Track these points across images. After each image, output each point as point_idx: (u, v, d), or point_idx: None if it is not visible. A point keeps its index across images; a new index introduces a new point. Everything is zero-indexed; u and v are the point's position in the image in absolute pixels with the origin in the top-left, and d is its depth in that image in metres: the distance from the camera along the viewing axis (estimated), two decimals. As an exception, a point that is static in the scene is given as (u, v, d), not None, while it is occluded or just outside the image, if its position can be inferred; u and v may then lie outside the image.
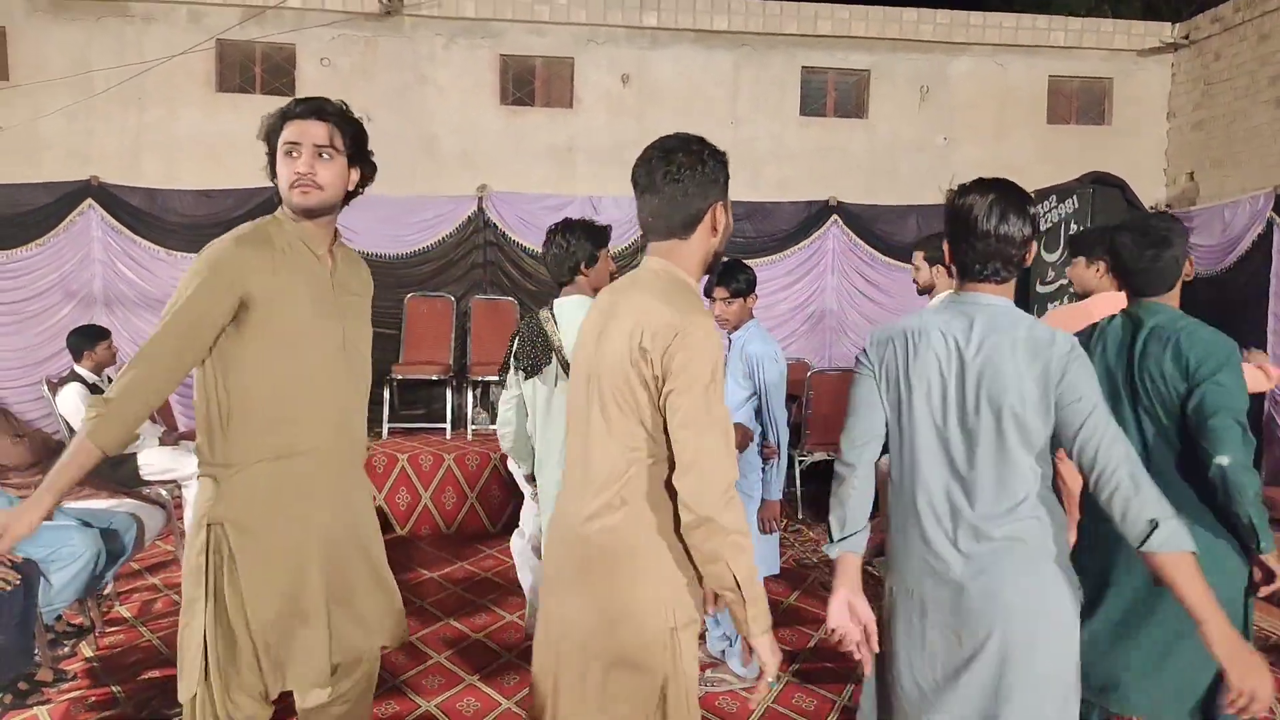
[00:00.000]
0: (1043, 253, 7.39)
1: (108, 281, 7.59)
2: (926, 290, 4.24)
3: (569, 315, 3.06)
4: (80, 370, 5.06)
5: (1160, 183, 8.94)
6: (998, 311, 1.91)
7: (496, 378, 6.84)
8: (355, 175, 2.24)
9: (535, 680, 1.98)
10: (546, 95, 8.36)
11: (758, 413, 3.56)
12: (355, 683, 2.29)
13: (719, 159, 1.85)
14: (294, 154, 2.10)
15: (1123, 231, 2.41)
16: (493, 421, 7.24)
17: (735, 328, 3.61)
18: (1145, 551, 1.71)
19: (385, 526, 5.97)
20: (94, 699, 3.49)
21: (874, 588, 2.00)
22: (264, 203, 6.74)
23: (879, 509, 2.19)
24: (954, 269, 2.00)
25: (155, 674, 3.69)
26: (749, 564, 1.73)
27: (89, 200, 7.52)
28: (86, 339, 5.13)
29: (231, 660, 2.09)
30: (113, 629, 4.16)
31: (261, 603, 2.08)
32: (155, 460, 4.88)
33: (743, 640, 1.84)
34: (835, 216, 8.39)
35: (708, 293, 3.55)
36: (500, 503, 6.09)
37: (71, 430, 4.92)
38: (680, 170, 1.79)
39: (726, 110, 8.35)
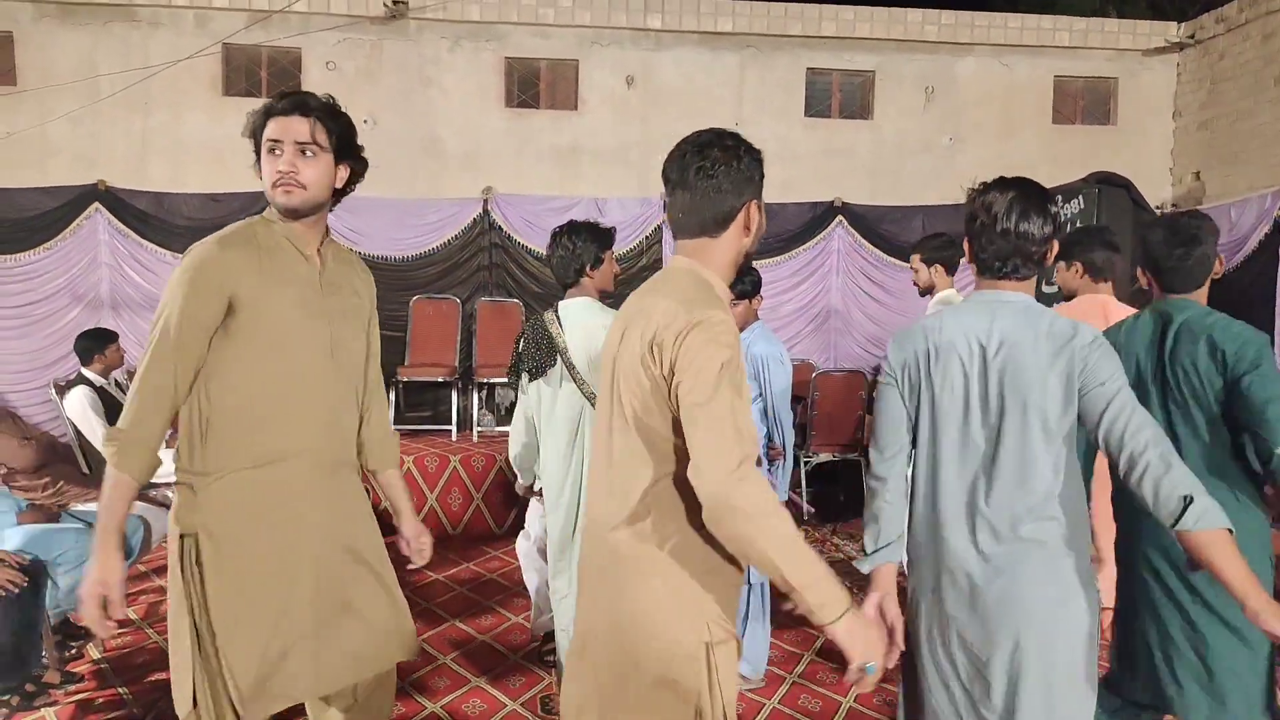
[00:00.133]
0: (1048, 253, 7.36)
1: (115, 285, 7.62)
2: (927, 291, 4.30)
3: (574, 317, 3.06)
4: (88, 373, 5.08)
5: (1166, 182, 8.92)
6: (1018, 308, 1.91)
7: (504, 380, 6.83)
8: (343, 173, 2.12)
9: (565, 689, 1.91)
10: (551, 97, 8.37)
11: (763, 414, 3.57)
12: (363, 684, 2.22)
13: (754, 156, 1.77)
14: (276, 151, 2.01)
15: (1154, 229, 2.41)
16: (498, 423, 7.26)
17: (740, 329, 3.60)
18: (1180, 530, 1.68)
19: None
20: (101, 700, 3.50)
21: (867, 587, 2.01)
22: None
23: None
24: (974, 267, 1.99)
25: (162, 675, 3.70)
26: (787, 546, 1.56)
27: (96, 204, 7.56)
28: (96, 342, 5.15)
29: (218, 676, 2.02)
30: (120, 631, 4.17)
31: (230, 619, 1.99)
32: (162, 462, 4.89)
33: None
34: (840, 217, 8.39)
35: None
36: (506, 504, 6.09)
37: (79, 433, 4.94)
38: (715, 166, 1.72)
39: (731, 112, 8.35)
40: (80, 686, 3.58)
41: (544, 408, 3.11)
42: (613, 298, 3.31)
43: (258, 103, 2.09)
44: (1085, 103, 8.95)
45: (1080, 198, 7.24)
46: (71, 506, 4.21)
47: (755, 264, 3.82)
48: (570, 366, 3.00)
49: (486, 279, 8.08)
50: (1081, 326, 1.86)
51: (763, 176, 1.79)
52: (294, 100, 2.04)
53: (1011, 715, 1.83)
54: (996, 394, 1.87)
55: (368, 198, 7.63)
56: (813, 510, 6.52)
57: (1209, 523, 1.67)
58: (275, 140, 2.01)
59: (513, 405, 3.57)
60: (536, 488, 3.58)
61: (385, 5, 7.80)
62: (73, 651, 3.88)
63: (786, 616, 4.45)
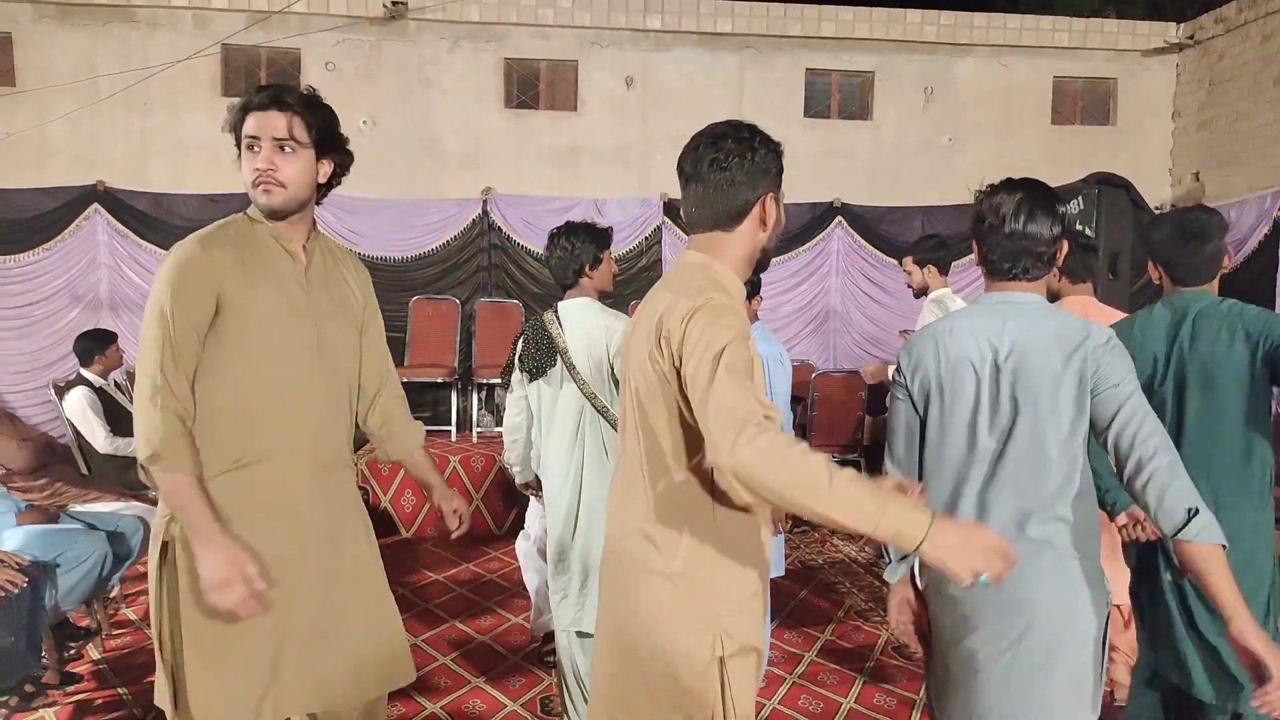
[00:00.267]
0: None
1: (114, 285, 7.62)
2: (921, 292, 4.40)
3: (575, 317, 3.06)
4: (87, 374, 5.07)
5: (1166, 183, 8.92)
6: (1030, 310, 1.91)
7: (500, 380, 6.84)
8: (326, 168, 2.04)
9: (592, 699, 1.88)
10: (550, 98, 8.37)
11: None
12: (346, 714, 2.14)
13: (771, 148, 1.71)
14: (255, 149, 1.95)
15: (1162, 224, 2.42)
16: (498, 424, 7.25)
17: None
18: (1180, 540, 1.70)
19: (391, 529, 5.98)
20: (100, 701, 3.50)
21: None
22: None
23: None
24: (983, 269, 1.99)
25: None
26: (826, 496, 1.39)
27: (95, 205, 7.55)
28: (96, 343, 5.15)
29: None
30: (119, 631, 4.17)
31: (198, 627, 1.90)
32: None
33: None
34: (840, 218, 8.39)
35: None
36: (505, 505, 6.10)
37: (78, 433, 4.94)
38: (728, 158, 1.66)
39: (731, 113, 8.18)
40: (80, 687, 3.58)
41: (544, 408, 3.11)
42: (612, 298, 3.31)
43: (258, 104, 2.03)
44: (1084, 103, 8.95)
45: (1080, 199, 7.23)
46: (71, 507, 4.21)
47: (755, 264, 3.81)
48: (571, 367, 3.00)
49: (486, 280, 8.08)
50: (1094, 327, 1.86)
51: (781, 169, 1.74)
52: (271, 94, 1.96)
53: (1019, 715, 1.84)
54: (1008, 396, 1.87)
55: (367, 198, 7.64)
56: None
57: (1209, 537, 1.69)
58: (253, 137, 1.95)
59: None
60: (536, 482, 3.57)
61: (385, 6, 7.80)
62: (72, 652, 3.88)
63: (787, 616, 4.46)
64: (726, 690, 1.64)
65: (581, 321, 3.04)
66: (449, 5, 7.92)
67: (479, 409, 7.30)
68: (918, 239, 4.74)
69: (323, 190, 2.09)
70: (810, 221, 8.34)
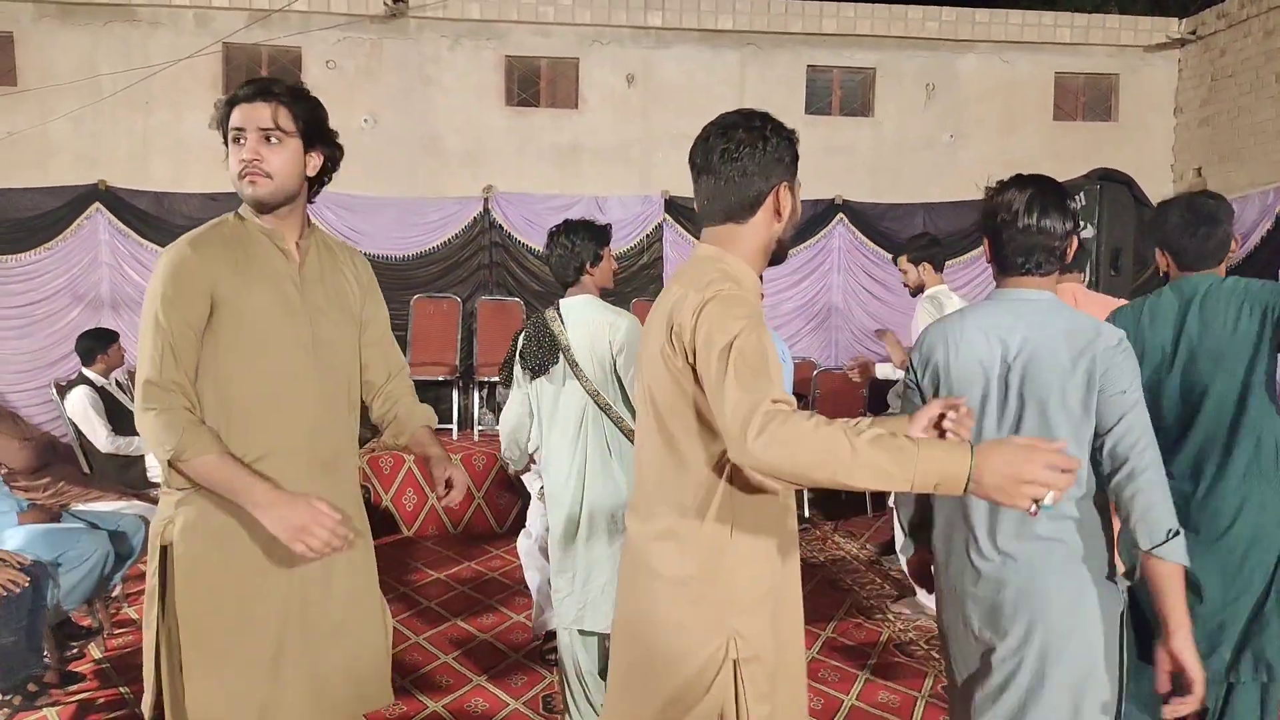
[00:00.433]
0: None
1: (115, 285, 7.62)
2: (917, 290, 4.48)
3: (577, 315, 3.06)
4: (89, 373, 5.08)
5: (1168, 178, 8.91)
6: (1041, 307, 1.92)
7: (499, 378, 6.84)
8: (315, 160, 2.00)
9: (607, 695, 1.86)
10: (551, 96, 8.36)
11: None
12: None
13: (784, 136, 1.68)
14: (240, 140, 1.92)
15: (1172, 208, 2.42)
16: (499, 422, 7.26)
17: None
18: (1154, 553, 1.75)
19: (392, 527, 5.98)
20: (102, 700, 3.50)
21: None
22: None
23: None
24: (994, 266, 2.00)
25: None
26: (856, 468, 1.34)
27: (97, 204, 7.55)
28: (98, 342, 5.15)
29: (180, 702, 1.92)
30: (121, 630, 4.17)
31: (199, 629, 1.89)
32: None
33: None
34: (841, 215, 8.38)
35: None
36: (507, 503, 6.10)
37: (80, 433, 4.94)
38: (739, 148, 1.63)
39: (731, 109, 8.31)
40: (82, 686, 3.58)
41: (546, 406, 3.11)
42: (614, 295, 3.31)
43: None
44: (1086, 99, 8.93)
45: (1082, 194, 7.21)
46: (72, 506, 4.21)
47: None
48: (573, 364, 3.00)
49: (487, 278, 8.08)
50: (1104, 327, 1.86)
51: (795, 158, 1.69)
52: (256, 86, 1.93)
53: (1029, 710, 1.85)
54: (1016, 393, 1.88)
55: (368, 197, 7.64)
56: (814, 509, 6.52)
57: (1178, 558, 1.75)
58: (239, 129, 1.92)
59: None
60: (536, 474, 3.57)
61: (385, 4, 7.79)
62: (74, 651, 3.88)
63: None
64: (741, 695, 1.59)
65: (583, 318, 3.04)
66: (449, 3, 7.92)
67: (480, 407, 7.30)
68: (910, 238, 4.81)
69: (314, 186, 2.06)
70: (812, 218, 8.33)
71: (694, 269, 1.66)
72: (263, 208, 1.98)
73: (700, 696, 1.60)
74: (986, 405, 1.91)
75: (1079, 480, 1.84)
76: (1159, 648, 1.79)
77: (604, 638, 3.15)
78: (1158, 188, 8.64)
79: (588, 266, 3.09)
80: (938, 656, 3.90)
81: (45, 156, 7.61)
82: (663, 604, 1.65)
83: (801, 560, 5.76)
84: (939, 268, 4.47)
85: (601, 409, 3.00)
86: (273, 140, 1.92)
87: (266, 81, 1.96)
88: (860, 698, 3.56)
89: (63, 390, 5.09)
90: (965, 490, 1.34)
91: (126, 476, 4.90)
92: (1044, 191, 1.92)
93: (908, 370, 2.11)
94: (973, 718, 1.95)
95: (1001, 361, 1.90)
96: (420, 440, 2.30)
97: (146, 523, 4.12)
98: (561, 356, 3.04)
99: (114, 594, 4.33)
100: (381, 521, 5.85)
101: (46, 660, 3.47)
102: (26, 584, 3.24)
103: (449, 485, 2.19)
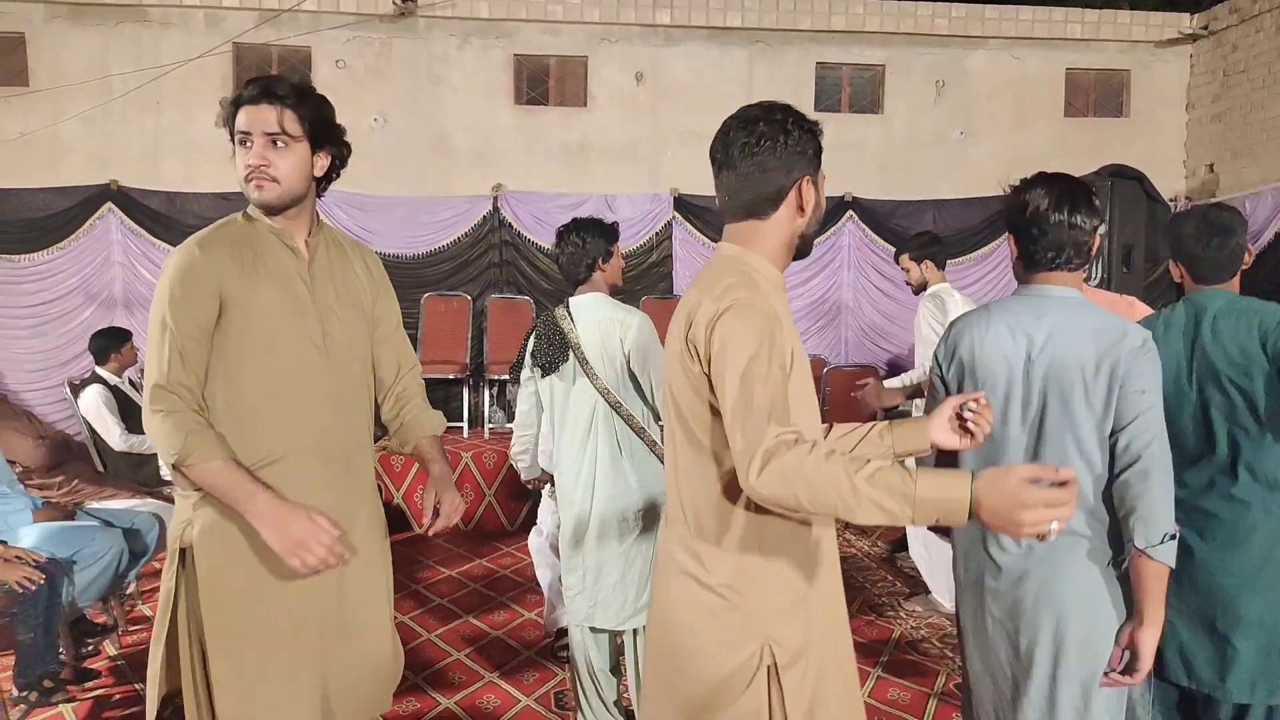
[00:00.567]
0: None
1: (128, 284, 7.66)
2: (920, 288, 4.50)
3: (587, 312, 3.06)
4: (102, 372, 5.11)
5: (1179, 175, 8.86)
6: (1067, 304, 1.92)
7: (509, 376, 6.87)
8: (323, 160, 1.99)
9: (641, 700, 1.84)
10: (560, 94, 8.36)
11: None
12: None
13: (806, 128, 1.62)
14: (247, 144, 1.90)
15: (1185, 220, 2.42)
16: (509, 420, 7.26)
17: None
18: (1148, 552, 1.78)
19: (404, 524, 6.00)
20: (118, 697, 3.52)
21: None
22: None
23: None
24: (1020, 262, 2.00)
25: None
26: (859, 504, 1.35)
27: (109, 204, 7.58)
28: (111, 341, 5.19)
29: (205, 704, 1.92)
30: (135, 628, 4.20)
31: (222, 630, 1.88)
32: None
33: None
34: (851, 212, 8.36)
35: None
36: (518, 501, 6.11)
37: (93, 431, 4.98)
38: (760, 142, 1.58)
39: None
40: (97, 683, 3.61)
41: (557, 403, 3.11)
42: (623, 293, 3.32)
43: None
44: (1097, 95, 8.89)
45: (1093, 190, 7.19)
46: (87, 504, 4.24)
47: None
48: (583, 361, 3.00)
49: (497, 276, 8.09)
50: (1131, 327, 1.87)
51: (819, 150, 1.65)
52: (262, 87, 1.91)
53: (1050, 704, 1.86)
54: (1039, 390, 1.89)
55: (378, 196, 7.66)
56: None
57: (1169, 560, 1.79)
58: (245, 132, 1.90)
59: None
60: (545, 485, 3.58)
61: (394, 3, 7.80)
62: (89, 648, 3.91)
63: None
64: (778, 703, 1.56)
65: (594, 316, 3.04)
66: (458, 2, 7.93)
67: (491, 405, 7.32)
68: (910, 237, 4.83)
69: (322, 183, 2.04)
70: (821, 216, 8.30)
71: (713, 272, 1.64)
72: (271, 211, 1.98)
73: (733, 702, 1.59)
74: (1010, 400, 1.92)
75: (1099, 474, 1.85)
76: (1126, 629, 1.86)
77: (615, 635, 3.16)
78: (1169, 184, 8.60)
79: (598, 264, 3.10)
80: (950, 654, 3.90)
81: (57, 157, 7.65)
82: (693, 610, 1.63)
83: (812, 558, 5.62)
84: (941, 265, 4.48)
85: (612, 407, 3.00)
86: (279, 144, 1.91)
87: (271, 81, 1.93)
88: (872, 695, 3.56)
89: (76, 389, 5.12)
90: (969, 520, 1.35)
91: (140, 474, 4.93)
92: (1070, 188, 1.94)
93: (934, 364, 2.11)
94: (1000, 713, 1.96)
95: (1026, 357, 1.91)
96: (423, 453, 2.25)
97: (160, 520, 4.16)
98: (571, 354, 3.04)
99: (128, 591, 4.35)
100: (393, 518, 5.85)
101: (62, 657, 3.50)
102: (42, 581, 3.27)
103: (436, 513, 2.09)
